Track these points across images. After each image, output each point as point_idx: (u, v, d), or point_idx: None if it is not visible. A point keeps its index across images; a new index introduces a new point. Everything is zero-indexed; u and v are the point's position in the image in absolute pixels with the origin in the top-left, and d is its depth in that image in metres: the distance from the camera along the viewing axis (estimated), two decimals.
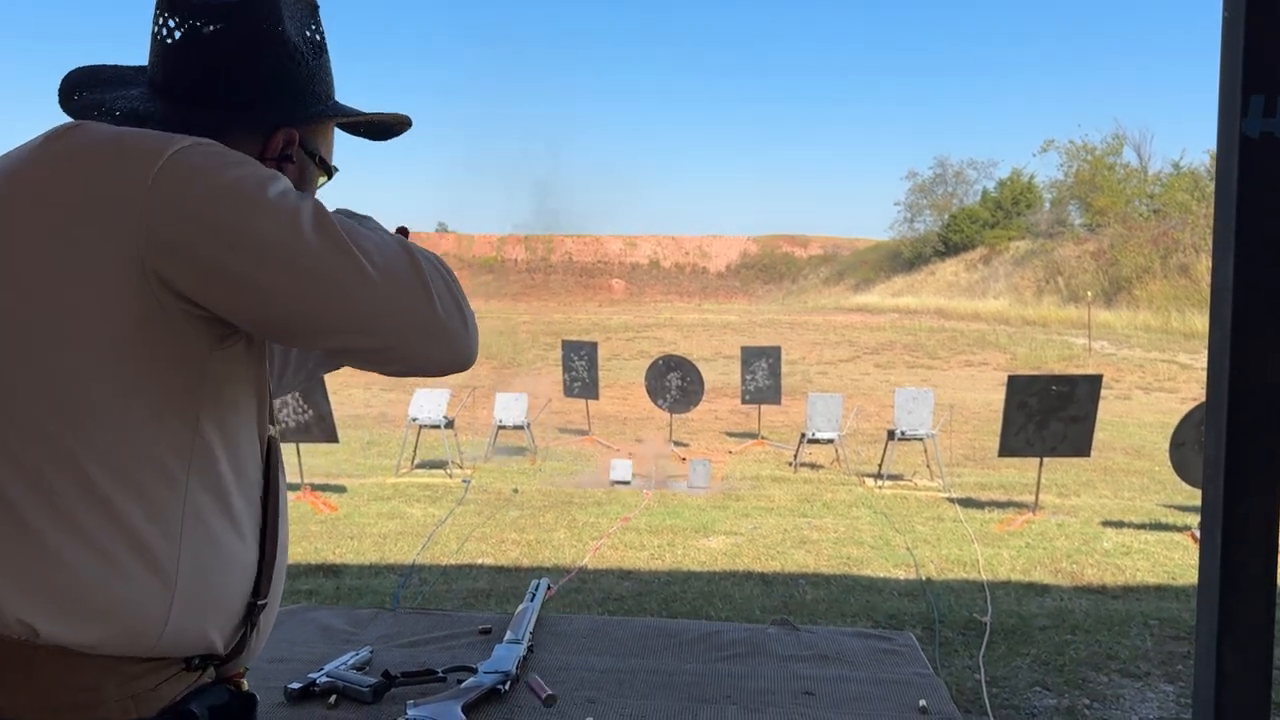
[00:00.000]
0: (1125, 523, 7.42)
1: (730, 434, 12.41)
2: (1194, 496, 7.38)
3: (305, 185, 1.16)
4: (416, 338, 1.02)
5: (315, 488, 8.30)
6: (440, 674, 1.81)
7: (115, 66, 1.17)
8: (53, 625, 0.95)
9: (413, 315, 1.01)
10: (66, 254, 0.95)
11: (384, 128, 1.24)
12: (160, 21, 1.09)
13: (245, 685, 1.13)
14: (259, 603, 1.10)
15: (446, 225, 59.03)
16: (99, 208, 0.95)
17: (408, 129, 1.24)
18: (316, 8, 1.16)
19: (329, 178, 1.21)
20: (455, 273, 1.11)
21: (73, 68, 1.16)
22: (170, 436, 0.99)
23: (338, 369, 1.38)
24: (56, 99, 1.14)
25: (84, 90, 1.13)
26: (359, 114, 1.18)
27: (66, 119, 1.10)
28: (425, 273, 1.03)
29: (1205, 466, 1.75)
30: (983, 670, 4.14)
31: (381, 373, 1.07)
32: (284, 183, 1.00)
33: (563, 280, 53.59)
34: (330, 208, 1.11)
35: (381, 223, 1.27)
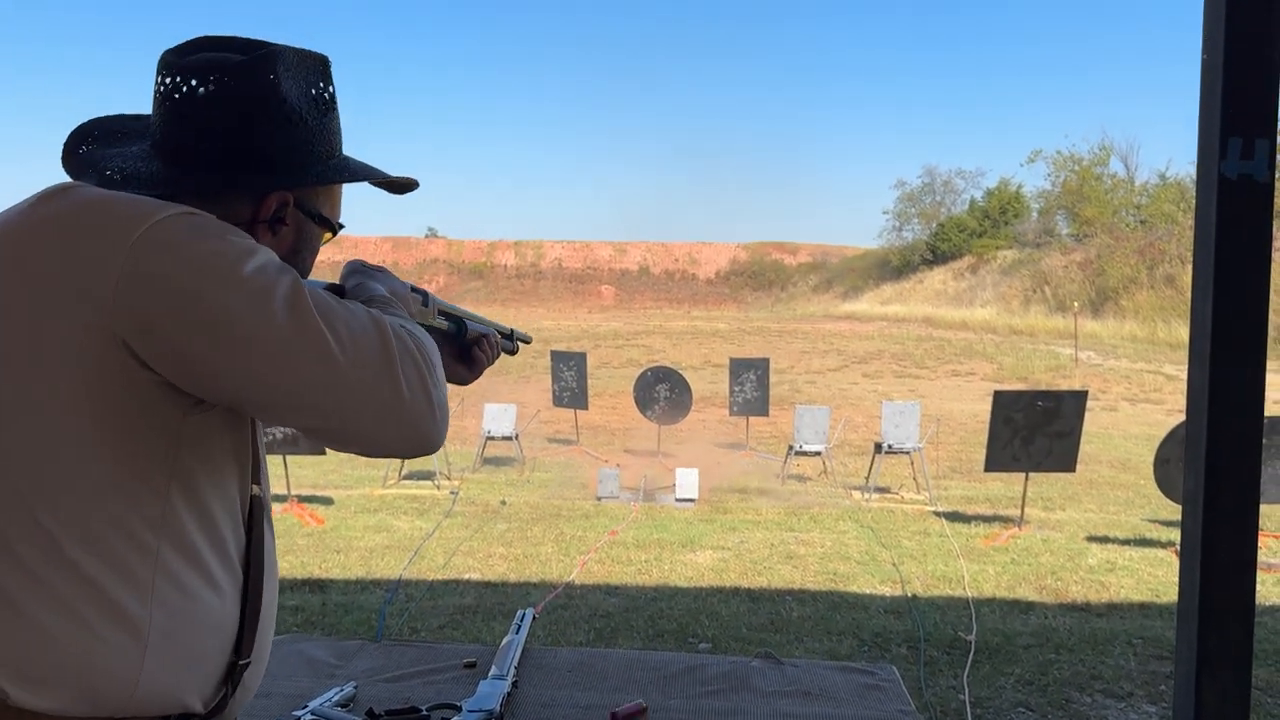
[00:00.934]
0: (1110, 538, 7.46)
1: (718, 445, 12.42)
2: (1178, 512, 7.41)
3: (303, 245, 1.16)
4: (377, 423, 1.01)
5: (302, 499, 8.28)
6: (425, 712, 1.81)
7: (127, 118, 1.17)
8: (22, 690, 0.95)
9: (375, 402, 1.00)
10: (44, 319, 0.95)
11: (395, 185, 1.22)
12: (160, 79, 1.08)
13: None
14: (241, 662, 1.09)
15: (436, 230, 58.99)
16: (77, 273, 0.95)
17: (415, 189, 1.23)
18: (328, 65, 1.15)
19: (333, 234, 1.20)
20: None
21: (86, 120, 1.16)
22: (139, 503, 0.98)
23: None
24: (61, 154, 1.13)
25: (89, 144, 1.13)
26: (357, 177, 1.17)
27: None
28: (396, 358, 1.02)
29: (1184, 499, 1.77)
30: (967, 690, 4.16)
31: (341, 451, 1.07)
32: (263, 257, 0.99)
33: (552, 286, 53.60)
34: (344, 260, 1.10)
35: (394, 276, 1.27)
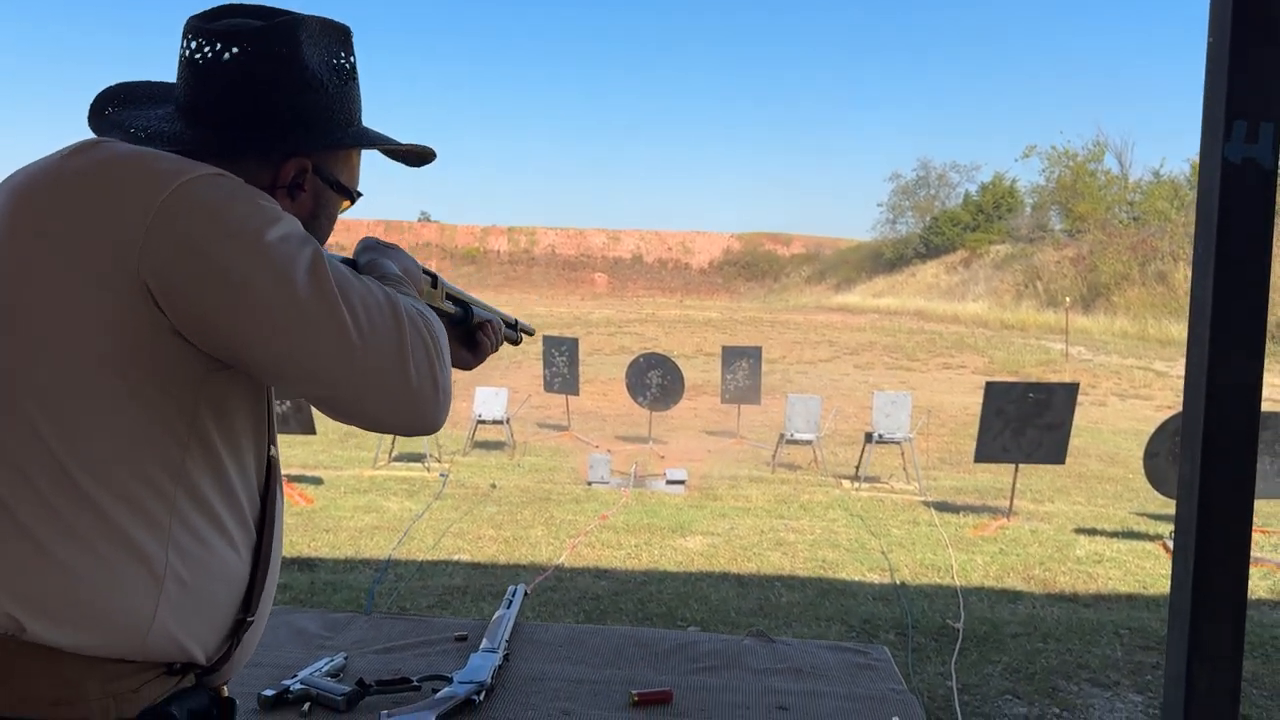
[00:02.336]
0: (1098, 530, 7.49)
1: (709, 432, 12.44)
2: (1166, 505, 7.46)
3: (321, 212, 1.17)
4: (381, 401, 1.03)
5: (292, 479, 8.25)
6: (415, 683, 1.81)
7: (153, 84, 1.19)
8: (39, 623, 0.96)
9: (382, 381, 1.02)
10: (75, 266, 0.97)
11: (414, 155, 1.24)
12: (185, 43, 1.11)
13: (225, 692, 1.15)
14: (247, 619, 1.10)
15: (429, 215, 58.84)
16: (108, 224, 0.97)
17: (433, 159, 1.25)
18: (349, 35, 1.17)
19: (351, 202, 1.22)
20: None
21: (112, 84, 1.18)
22: (159, 451, 1.00)
23: None
24: (87, 114, 1.15)
25: (115, 106, 1.16)
26: (377, 143, 1.19)
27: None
28: (407, 339, 1.04)
29: (1180, 487, 1.76)
30: (954, 678, 4.17)
31: (341, 422, 1.08)
32: (288, 226, 1.01)
33: (545, 273, 53.53)
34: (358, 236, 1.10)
35: (407, 255, 1.27)
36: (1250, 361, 1.68)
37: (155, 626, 1.00)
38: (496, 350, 1.49)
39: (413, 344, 1.04)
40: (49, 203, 1.00)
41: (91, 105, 1.15)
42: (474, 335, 1.45)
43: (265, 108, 1.09)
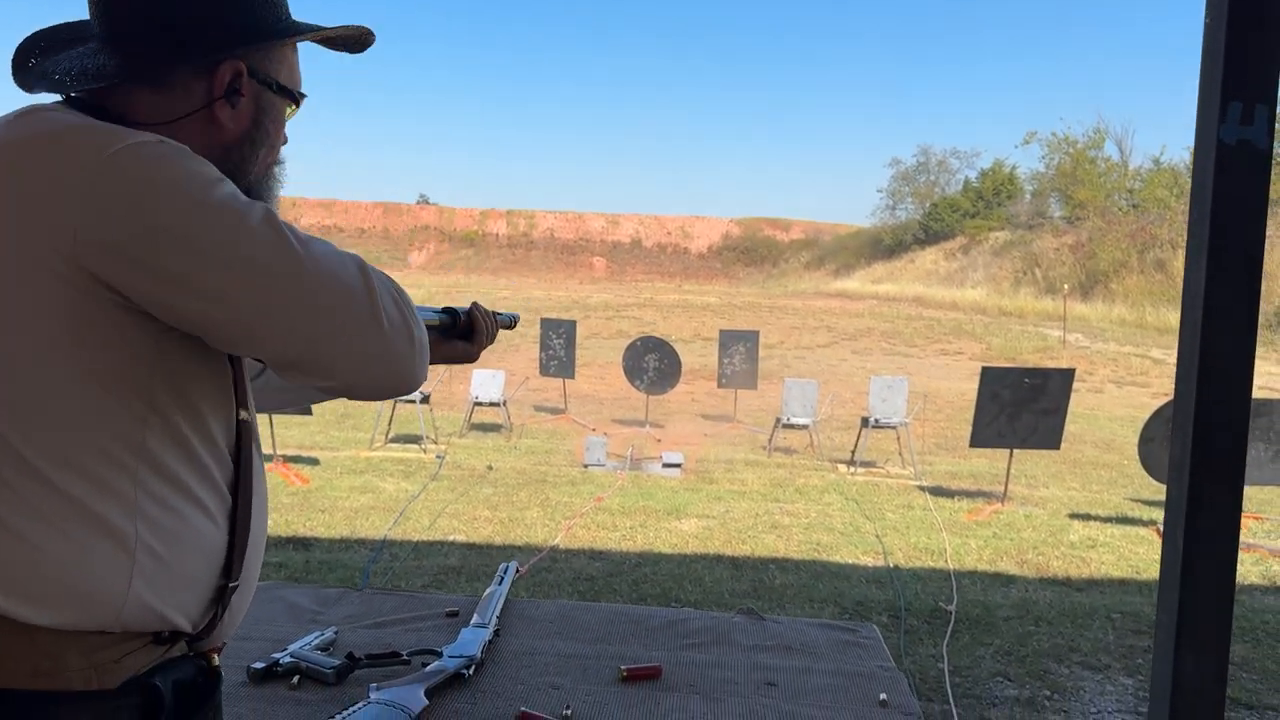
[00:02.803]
0: (1092, 516, 7.51)
1: (706, 416, 12.45)
2: (1161, 491, 7.47)
3: (264, 115, 1.12)
4: (355, 355, 1.01)
5: (288, 459, 8.26)
6: (405, 657, 1.81)
7: (71, 24, 1.15)
8: (13, 601, 0.95)
9: (354, 331, 1.00)
10: (12, 248, 0.94)
11: (352, 41, 1.18)
12: None
13: (216, 660, 1.13)
14: (230, 584, 1.09)
15: (428, 197, 58.69)
16: (42, 199, 0.94)
17: (372, 42, 1.19)
18: None
19: (296, 105, 1.16)
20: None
21: (31, 34, 1.13)
22: (116, 427, 0.98)
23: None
24: (10, 71, 1.10)
25: (37, 56, 1.11)
26: (306, 32, 1.13)
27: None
28: (375, 290, 1.01)
29: (1170, 468, 1.76)
30: (946, 659, 4.19)
31: (318, 389, 1.05)
32: (232, 186, 0.99)
33: (543, 256, 53.45)
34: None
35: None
36: (1242, 345, 1.68)
37: (130, 600, 0.98)
38: (493, 340, 1.44)
39: (381, 295, 1.01)
40: None
41: (13, 61, 1.11)
42: (469, 326, 1.39)
43: (182, 16, 1.05)
